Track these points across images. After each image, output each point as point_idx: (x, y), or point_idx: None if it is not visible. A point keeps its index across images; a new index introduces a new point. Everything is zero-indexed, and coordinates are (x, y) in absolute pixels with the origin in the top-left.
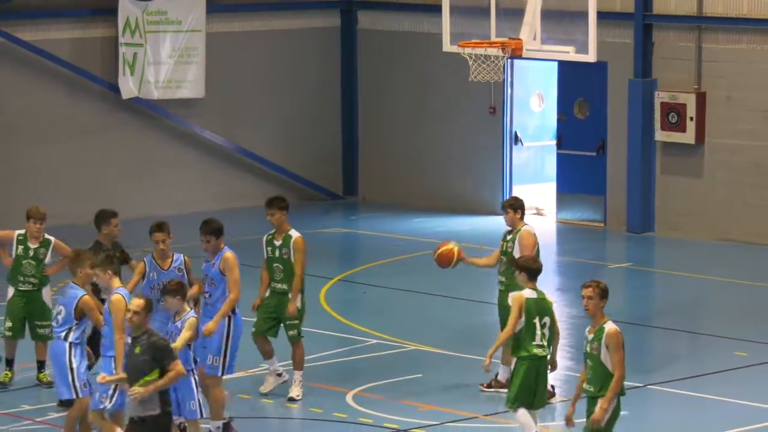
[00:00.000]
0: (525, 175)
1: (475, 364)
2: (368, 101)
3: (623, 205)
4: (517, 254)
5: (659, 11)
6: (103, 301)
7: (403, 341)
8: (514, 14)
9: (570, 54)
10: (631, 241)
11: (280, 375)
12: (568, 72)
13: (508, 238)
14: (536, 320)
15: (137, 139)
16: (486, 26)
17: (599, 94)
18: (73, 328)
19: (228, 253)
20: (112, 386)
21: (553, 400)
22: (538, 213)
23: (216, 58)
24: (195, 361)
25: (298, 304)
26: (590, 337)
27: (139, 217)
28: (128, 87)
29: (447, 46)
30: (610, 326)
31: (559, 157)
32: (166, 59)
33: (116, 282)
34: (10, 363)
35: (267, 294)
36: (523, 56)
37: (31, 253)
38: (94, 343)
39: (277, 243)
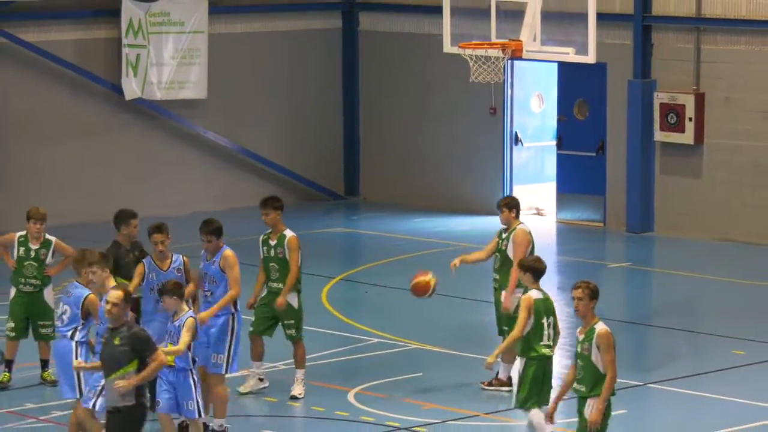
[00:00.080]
0: (525, 176)
1: (476, 363)
2: (369, 102)
3: (623, 205)
4: (510, 253)
5: (658, 12)
6: None
7: (405, 340)
8: (514, 15)
9: (570, 55)
10: (630, 240)
11: (261, 380)
12: (567, 73)
13: (503, 236)
14: (544, 320)
15: (140, 139)
16: (486, 27)
17: (599, 94)
18: (80, 327)
19: (228, 251)
20: (99, 386)
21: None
22: (538, 213)
23: (218, 59)
24: (194, 361)
25: (295, 304)
26: (581, 337)
27: (142, 217)
28: (131, 88)
29: (447, 47)
30: (600, 327)
31: (559, 157)
32: (169, 60)
33: (111, 281)
34: (9, 364)
35: (263, 293)
36: (523, 57)
37: (33, 254)
38: None
39: (273, 243)
